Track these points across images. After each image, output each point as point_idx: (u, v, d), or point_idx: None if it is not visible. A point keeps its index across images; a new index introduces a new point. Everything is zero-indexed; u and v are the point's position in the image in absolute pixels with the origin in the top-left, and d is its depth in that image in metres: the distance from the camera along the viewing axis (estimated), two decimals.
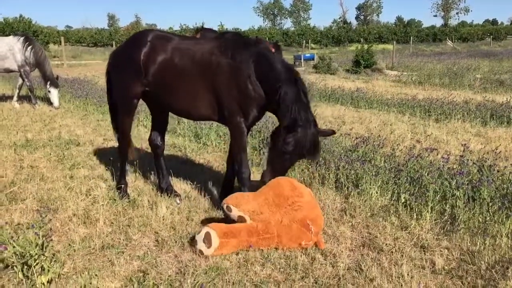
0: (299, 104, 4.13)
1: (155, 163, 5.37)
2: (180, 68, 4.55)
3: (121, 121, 5.16)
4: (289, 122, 4.06)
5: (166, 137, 8.19)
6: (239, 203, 3.92)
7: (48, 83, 11.78)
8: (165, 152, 7.11)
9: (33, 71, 12.09)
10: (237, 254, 3.80)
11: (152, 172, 5.85)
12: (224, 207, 3.98)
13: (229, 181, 4.93)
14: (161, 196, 5.05)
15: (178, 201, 4.92)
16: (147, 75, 4.68)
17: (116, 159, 5.55)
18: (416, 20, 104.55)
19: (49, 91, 11.81)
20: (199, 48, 4.57)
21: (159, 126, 5.35)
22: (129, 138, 5.29)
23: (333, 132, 4.44)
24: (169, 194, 5.06)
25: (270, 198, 3.96)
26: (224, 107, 4.43)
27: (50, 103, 12.10)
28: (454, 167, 5.36)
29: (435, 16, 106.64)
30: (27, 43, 11.61)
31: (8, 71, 12.05)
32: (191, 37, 5.05)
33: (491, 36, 62.75)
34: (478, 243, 3.95)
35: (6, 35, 13.70)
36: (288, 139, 4.07)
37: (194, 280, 3.37)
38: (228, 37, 4.53)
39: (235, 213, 3.92)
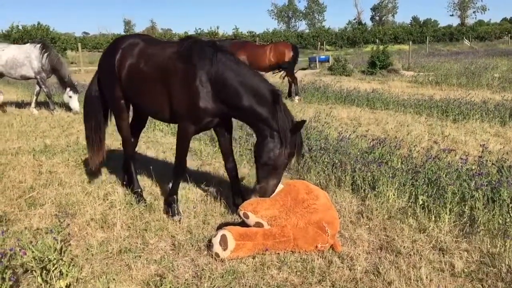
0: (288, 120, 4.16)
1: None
2: (144, 73, 4.72)
3: (117, 126, 5.38)
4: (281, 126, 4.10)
5: None
6: (256, 210, 3.89)
7: (68, 88, 11.95)
8: None
9: (49, 78, 12.27)
10: (253, 257, 3.79)
11: (167, 177, 5.87)
12: (241, 213, 3.94)
13: (235, 183, 4.93)
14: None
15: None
16: (121, 80, 4.94)
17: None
18: (432, 20, 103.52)
19: (70, 96, 11.98)
20: (162, 53, 4.67)
21: (136, 126, 5.62)
22: (131, 141, 5.46)
23: (304, 122, 4.36)
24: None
25: (287, 203, 3.93)
26: (175, 111, 4.51)
27: (68, 108, 12.27)
28: (473, 168, 5.28)
29: (452, 15, 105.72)
30: (43, 50, 11.78)
31: (25, 78, 12.24)
32: (161, 42, 5.12)
33: (509, 35, 61.82)
34: (499, 245, 3.88)
35: (25, 43, 13.93)
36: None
37: (211, 284, 3.38)
38: (188, 42, 4.50)
39: (252, 219, 3.89)
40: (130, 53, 4.89)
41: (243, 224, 4.01)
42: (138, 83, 4.82)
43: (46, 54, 11.75)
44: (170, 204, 4.72)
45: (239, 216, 4.01)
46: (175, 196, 4.77)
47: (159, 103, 4.64)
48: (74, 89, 11.99)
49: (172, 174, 4.85)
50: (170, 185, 4.87)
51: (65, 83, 12.00)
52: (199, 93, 4.24)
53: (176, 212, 4.67)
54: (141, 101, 4.94)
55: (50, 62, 11.78)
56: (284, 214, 3.90)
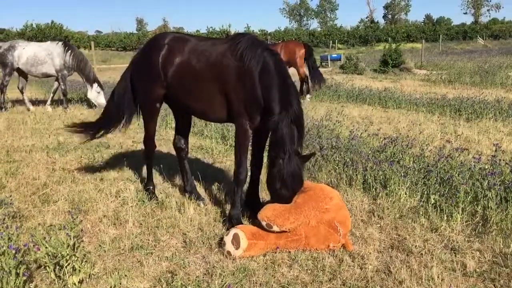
0: (288, 136, 3.96)
1: (180, 166, 5.37)
2: (196, 70, 4.55)
3: (145, 125, 5.24)
4: (273, 154, 3.99)
5: (194, 139, 8.34)
6: (283, 224, 3.78)
7: (95, 84, 12.07)
8: (193, 154, 7.22)
9: (70, 75, 12.41)
10: (264, 255, 3.80)
11: (179, 174, 5.90)
12: (264, 224, 3.82)
13: (253, 183, 4.84)
14: (188, 198, 5.08)
15: (202, 205, 4.95)
16: (166, 77, 4.72)
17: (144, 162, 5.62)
18: (446, 18, 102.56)
19: (98, 92, 12.09)
20: (214, 49, 4.54)
21: (182, 129, 5.34)
22: (154, 141, 5.35)
23: (314, 154, 4.48)
24: (194, 198, 5.05)
25: (311, 214, 3.87)
26: (231, 109, 4.39)
27: (89, 105, 12.56)
28: (486, 167, 5.23)
29: (465, 13, 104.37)
30: (66, 47, 11.91)
31: (46, 75, 12.35)
32: (208, 38, 5.07)
33: None
34: (511, 245, 3.85)
35: (39, 41, 14.12)
36: (273, 173, 3.99)
37: (222, 281, 3.39)
38: (241, 39, 4.41)
39: (275, 229, 3.80)
40: (180, 49, 4.68)
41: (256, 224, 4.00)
42: (189, 81, 4.62)
43: (69, 52, 11.86)
44: (234, 221, 4.37)
45: (260, 223, 3.87)
46: (240, 209, 4.51)
47: (211, 101, 4.52)
48: (101, 85, 12.16)
49: (234, 182, 4.51)
50: (234, 197, 4.47)
51: (91, 79, 12.10)
52: (256, 91, 4.18)
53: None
54: (189, 99, 4.70)
55: (75, 60, 11.90)
56: (305, 225, 3.86)
